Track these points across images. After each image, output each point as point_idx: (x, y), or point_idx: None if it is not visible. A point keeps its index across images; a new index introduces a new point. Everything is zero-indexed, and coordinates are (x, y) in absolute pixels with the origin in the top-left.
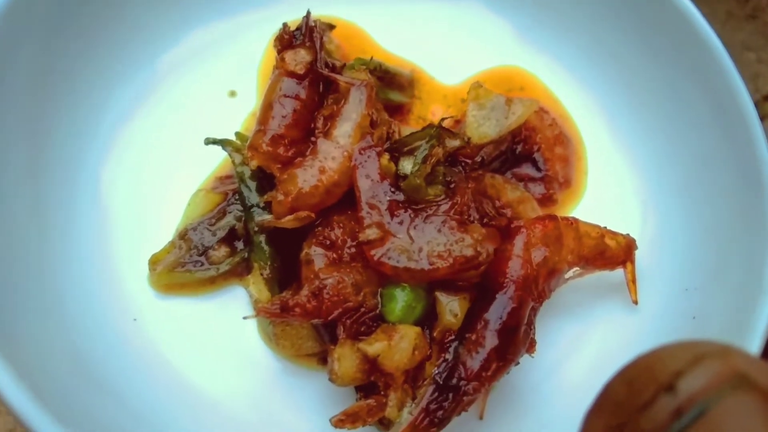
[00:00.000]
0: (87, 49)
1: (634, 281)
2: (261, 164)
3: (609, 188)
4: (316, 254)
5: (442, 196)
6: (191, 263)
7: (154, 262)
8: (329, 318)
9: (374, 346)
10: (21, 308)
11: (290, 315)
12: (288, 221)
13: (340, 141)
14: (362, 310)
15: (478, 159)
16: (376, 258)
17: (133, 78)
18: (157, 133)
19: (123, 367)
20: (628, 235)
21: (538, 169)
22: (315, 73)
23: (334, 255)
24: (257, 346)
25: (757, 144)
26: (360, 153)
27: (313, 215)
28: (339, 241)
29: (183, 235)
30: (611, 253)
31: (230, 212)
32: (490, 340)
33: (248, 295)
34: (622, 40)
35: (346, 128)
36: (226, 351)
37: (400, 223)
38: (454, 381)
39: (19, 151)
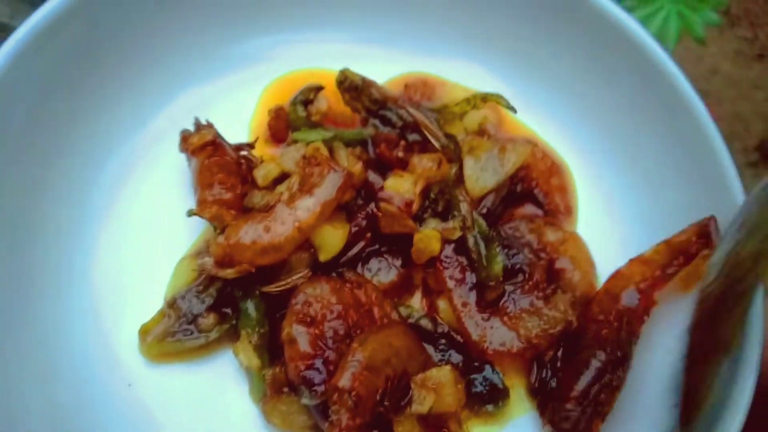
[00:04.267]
0: (81, 112)
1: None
2: (213, 216)
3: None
4: (298, 333)
5: (520, 278)
6: (181, 332)
7: (144, 332)
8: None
9: (424, 405)
10: (16, 379)
11: None
12: (229, 273)
13: (298, 213)
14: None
15: (483, 210)
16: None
17: (126, 140)
18: (147, 200)
19: None
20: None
21: (540, 205)
22: (219, 141)
23: (316, 331)
24: (250, 411)
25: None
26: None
27: (252, 269)
28: (319, 316)
29: (171, 304)
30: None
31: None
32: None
33: (238, 362)
34: (608, 96)
35: (308, 204)
36: (218, 415)
37: (491, 315)
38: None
39: (13, 221)
